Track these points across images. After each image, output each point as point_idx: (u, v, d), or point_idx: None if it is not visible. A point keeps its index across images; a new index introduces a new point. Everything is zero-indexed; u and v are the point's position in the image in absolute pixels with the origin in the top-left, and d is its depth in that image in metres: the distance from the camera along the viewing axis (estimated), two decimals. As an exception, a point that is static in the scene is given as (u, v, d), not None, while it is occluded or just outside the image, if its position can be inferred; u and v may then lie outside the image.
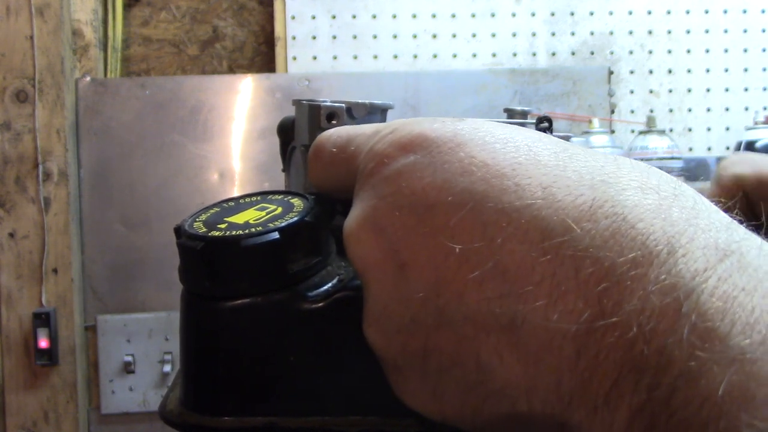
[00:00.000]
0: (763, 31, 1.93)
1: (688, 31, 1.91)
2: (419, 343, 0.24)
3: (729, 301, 0.19)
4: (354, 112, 0.36)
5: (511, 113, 0.43)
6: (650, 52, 1.91)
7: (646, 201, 0.22)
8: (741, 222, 0.22)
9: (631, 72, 1.91)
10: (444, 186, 0.24)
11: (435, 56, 1.87)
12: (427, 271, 0.23)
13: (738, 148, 1.73)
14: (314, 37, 1.84)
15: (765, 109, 1.91)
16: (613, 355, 0.20)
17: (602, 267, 0.21)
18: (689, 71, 1.92)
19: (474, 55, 1.88)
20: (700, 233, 0.21)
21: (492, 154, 0.24)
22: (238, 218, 0.28)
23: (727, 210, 0.23)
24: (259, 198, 0.31)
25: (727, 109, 1.93)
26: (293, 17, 1.83)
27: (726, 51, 1.92)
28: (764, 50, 1.93)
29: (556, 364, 0.21)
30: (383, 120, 0.38)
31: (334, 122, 0.35)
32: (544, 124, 0.38)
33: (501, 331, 0.22)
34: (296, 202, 0.30)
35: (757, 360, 0.18)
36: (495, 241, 0.22)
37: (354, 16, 1.85)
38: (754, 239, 0.21)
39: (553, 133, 0.35)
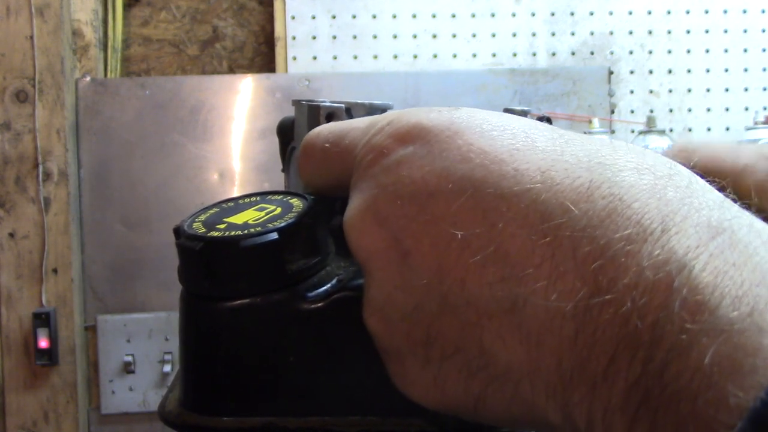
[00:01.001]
0: (763, 31, 1.93)
1: (688, 31, 1.91)
2: (423, 331, 0.24)
3: (719, 276, 0.19)
4: (353, 113, 0.36)
5: (510, 113, 0.43)
6: (650, 52, 1.91)
7: (642, 181, 0.22)
8: (734, 201, 0.22)
9: (631, 72, 1.91)
10: (443, 174, 0.24)
11: (435, 56, 1.87)
12: (430, 259, 0.24)
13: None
14: (314, 37, 1.84)
15: (765, 109, 1.91)
16: (609, 331, 0.20)
17: (598, 245, 0.21)
18: (689, 71, 1.92)
19: (474, 55, 1.87)
20: (694, 212, 0.21)
21: (489, 141, 0.24)
22: (237, 219, 0.28)
23: (720, 189, 0.23)
24: (258, 198, 0.31)
25: (727, 109, 1.92)
26: (293, 17, 1.83)
27: (726, 51, 1.92)
28: (764, 50, 1.93)
29: (557, 343, 0.21)
30: None
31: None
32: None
33: (503, 315, 0.22)
34: (295, 202, 0.29)
35: (744, 330, 0.18)
36: (496, 226, 0.23)
37: (354, 16, 1.85)
38: (745, 217, 0.21)
39: None
